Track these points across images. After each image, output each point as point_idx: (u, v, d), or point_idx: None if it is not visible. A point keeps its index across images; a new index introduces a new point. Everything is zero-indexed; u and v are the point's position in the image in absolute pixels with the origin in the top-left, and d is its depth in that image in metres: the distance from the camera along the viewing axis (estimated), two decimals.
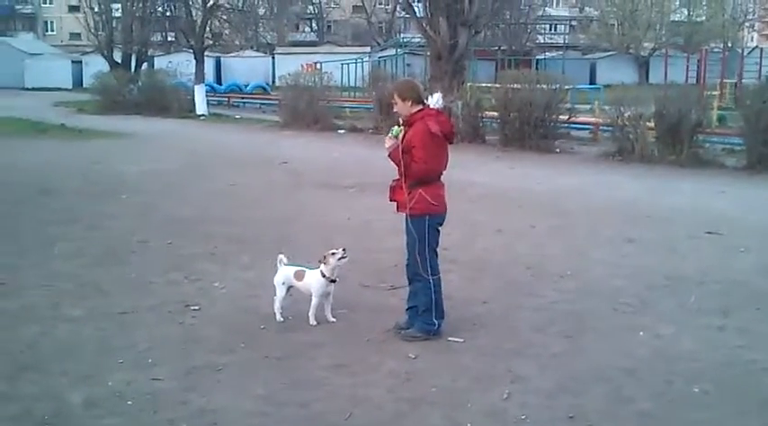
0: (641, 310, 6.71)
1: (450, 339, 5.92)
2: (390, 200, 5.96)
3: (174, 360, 5.50)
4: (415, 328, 5.97)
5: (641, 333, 6.13)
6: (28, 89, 50.38)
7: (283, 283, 6.28)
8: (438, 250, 5.99)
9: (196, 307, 6.67)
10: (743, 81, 30.09)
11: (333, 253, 6.08)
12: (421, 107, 5.76)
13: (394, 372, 5.33)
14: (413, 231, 5.83)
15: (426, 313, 5.90)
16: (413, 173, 5.71)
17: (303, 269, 6.31)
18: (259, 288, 7.01)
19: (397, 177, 5.85)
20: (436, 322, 5.91)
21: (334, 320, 6.27)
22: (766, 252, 8.86)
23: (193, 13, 32.79)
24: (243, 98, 39.21)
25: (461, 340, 5.91)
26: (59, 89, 48.85)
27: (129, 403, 4.82)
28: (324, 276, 6.12)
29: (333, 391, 5.03)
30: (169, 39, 43.09)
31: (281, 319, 6.28)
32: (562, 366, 5.47)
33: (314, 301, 6.18)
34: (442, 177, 5.89)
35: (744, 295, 7.15)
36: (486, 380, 5.21)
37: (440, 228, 5.93)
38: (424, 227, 5.79)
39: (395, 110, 5.91)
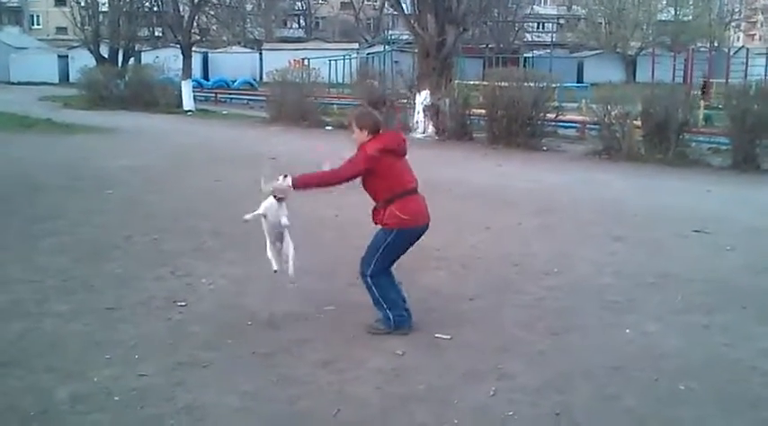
0: (628, 308, 6.74)
1: (437, 335, 5.93)
2: (375, 224, 5.92)
3: (161, 356, 5.48)
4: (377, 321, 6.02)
5: (628, 331, 6.16)
6: (13, 83, 50.16)
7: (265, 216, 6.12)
8: (421, 253, 5.94)
9: (183, 303, 6.65)
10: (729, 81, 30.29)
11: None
12: (373, 136, 5.79)
13: (381, 369, 5.33)
14: (379, 235, 5.82)
15: (378, 306, 5.93)
16: (377, 195, 5.78)
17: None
18: (246, 284, 6.99)
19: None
20: (390, 314, 5.89)
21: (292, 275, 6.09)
22: (752, 250, 8.91)
23: (181, 9, 32.60)
24: (230, 94, 39.05)
25: (448, 336, 5.92)
26: (45, 83, 48.64)
27: (116, 398, 4.80)
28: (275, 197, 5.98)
29: (320, 387, 5.02)
30: (156, 34, 42.99)
31: (276, 268, 6.10)
32: (549, 363, 5.49)
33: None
34: (415, 190, 5.82)
35: (729, 293, 7.19)
36: (472, 377, 5.22)
37: (409, 246, 5.87)
38: (389, 237, 5.75)
39: (353, 136, 5.93)
